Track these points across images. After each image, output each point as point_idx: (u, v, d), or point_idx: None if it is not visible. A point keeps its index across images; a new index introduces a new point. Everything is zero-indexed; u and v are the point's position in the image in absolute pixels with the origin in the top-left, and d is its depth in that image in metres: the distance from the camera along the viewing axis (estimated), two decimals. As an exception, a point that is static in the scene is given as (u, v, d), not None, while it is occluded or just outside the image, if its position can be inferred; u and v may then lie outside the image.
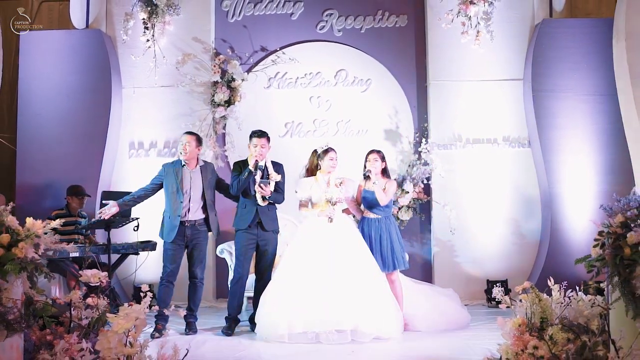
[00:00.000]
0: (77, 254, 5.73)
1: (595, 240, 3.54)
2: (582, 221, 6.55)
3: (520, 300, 3.93)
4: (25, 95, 7.26)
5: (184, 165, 5.64)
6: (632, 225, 3.47)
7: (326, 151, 5.67)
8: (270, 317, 5.15)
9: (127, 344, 3.21)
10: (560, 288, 3.93)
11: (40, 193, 7.11)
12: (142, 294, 3.45)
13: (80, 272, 3.95)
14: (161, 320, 5.45)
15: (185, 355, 3.07)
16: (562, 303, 3.89)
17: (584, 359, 3.18)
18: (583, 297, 3.93)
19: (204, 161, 5.85)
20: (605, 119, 6.75)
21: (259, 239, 5.63)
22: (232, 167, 5.93)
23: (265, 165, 5.65)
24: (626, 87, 5.38)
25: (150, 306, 3.46)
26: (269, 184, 5.57)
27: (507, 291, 6.23)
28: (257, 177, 5.54)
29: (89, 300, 3.78)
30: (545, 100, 6.90)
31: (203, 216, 5.66)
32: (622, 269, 3.35)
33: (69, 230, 6.23)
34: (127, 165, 7.36)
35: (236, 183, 5.62)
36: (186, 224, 5.57)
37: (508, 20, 7.16)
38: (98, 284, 3.72)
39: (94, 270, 3.75)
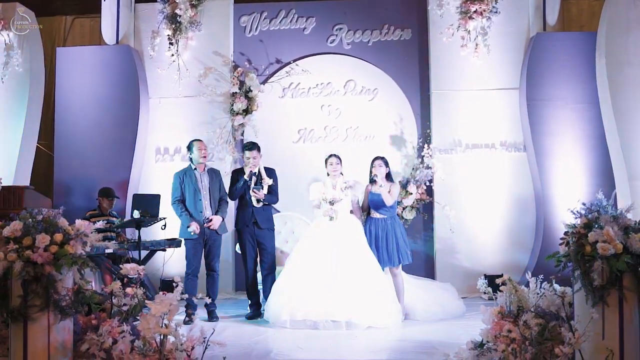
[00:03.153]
0: (110, 250, 6.39)
1: (561, 239, 4.09)
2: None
3: (501, 291, 4.50)
4: (61, 105, 7.95)
5: (195, 168, 6.28)
6: (596, 226, 4.02)
7: (327, 159, 6.29)
8: (276, 305, 5.82)
9: (163, 325, 3.81)
10: (536, 280, 4.48)
11: (75, 195, 7.78)
12: (174, 284, 4.04)
13: (120, 265, 4.55)
14: (190, 309, 6.12)
15: (212, 334, 3.67)
16: (538, 293, 4.45)
17: (545, 339, 3.74)
18: (557, 288, 4.48)
19: (211, 167, 6.46)
20: (593, 125, 7.22)
21: (256, 236, 6.30)
22: (231, 176, 6.56)
23: (258, 171, 6.31)
24: (607, 99, 5.85)
25: (181, 295, 4.05)
26: (262, 188, 6.23)
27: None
28: (252, 184, 6.24)
29: (128, 290, 4.37)
30: (539, 109, 7.40)
31: (212, 215, 6.27)
32: (583, 264, 3.87)
33: (101, 228, 6.87)
34: (154, 169, 8.00)
35: (234, 190, 6.33)
36: (204, 222, 6.19)
37: (504, 33, 7.66)
38: (136, 275, 4.33)
39: (133, 264, 4.36)
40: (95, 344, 4.07)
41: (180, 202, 6.23)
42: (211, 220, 6.19)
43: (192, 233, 6.10)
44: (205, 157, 6.31)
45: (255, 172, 6.30)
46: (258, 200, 6.26)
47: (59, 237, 4.02)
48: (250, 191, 6.24)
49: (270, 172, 6.42)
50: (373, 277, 5.83)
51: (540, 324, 4.05)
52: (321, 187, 6.24)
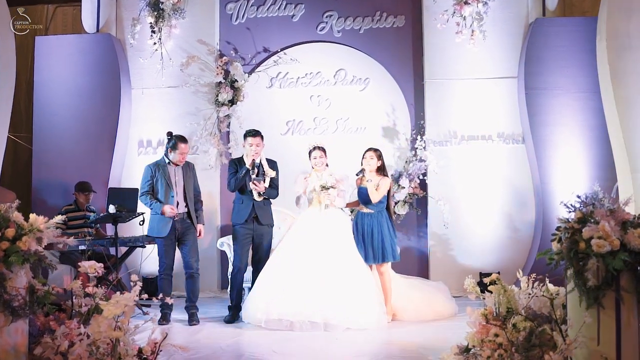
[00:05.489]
0: (84, 247, 6.11)
1: (553, 235, 3.76)
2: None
3: (490, 291, 4.17)
4: (40, 96, 7.67)
5: (169, 162, 5.92)
6: (591, 220, 3.68)
7: (311, 151, 5.98)
8: (253, 302, 5.55)
9: (116, 328, 3.52)
10: (528, 280, 4.15)
11: (54, 189, 7.48)
12: (132, 283, 3.75)
13: (79, 263, 4.26)
14: (166, 309, 5.81)
15: (164, 339, 3.37)
16: (529, 294, 4.12)
17: (532, 345, 3.42)
18: (551, 288, 4.15)
19: (186, 161, 6.07)
20: (594, 115, 6.88)
21: (254, 232, 5.93)
22: (228, 165, 6.21)
23: (260, 162, 5.93)
24: (607, 86, 5.49)
25: (139, 295, 3.75)
26: (264, 180, 5.86)
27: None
28: (253, 174, 5.84)
29: (88, 288, 4.09)
30: (538, 98, 7.07)
31: (186, 210, 5.94)
32: (576, 261, 3.54)
33: (78, 224, 6.61)
34: (136, 162, 7.68)
35: (233, 181, 5.93)
36: (175, 217, 5.85)
37: (502, 19, 7.33)
38: (95, 274, 4.03)
39: (91, 262, 4.06)
40: (51, 347, 3.82)
41: (148, 194, 5.88)
42: (200, 234, 5.99)
43: (168, 216, 5.77)
44: (183, 161, 5.94)
45: (258, 163, 5.92)
46: (259, 194, 5.90)
47: (10, 232, 3.80)
48: (250, 182, 5.86)
49: (273, 165, 6.04)
50: (357, 277, 5.54)
51: (531, 327, 3.74)
52: (308, 178, 5.94)
